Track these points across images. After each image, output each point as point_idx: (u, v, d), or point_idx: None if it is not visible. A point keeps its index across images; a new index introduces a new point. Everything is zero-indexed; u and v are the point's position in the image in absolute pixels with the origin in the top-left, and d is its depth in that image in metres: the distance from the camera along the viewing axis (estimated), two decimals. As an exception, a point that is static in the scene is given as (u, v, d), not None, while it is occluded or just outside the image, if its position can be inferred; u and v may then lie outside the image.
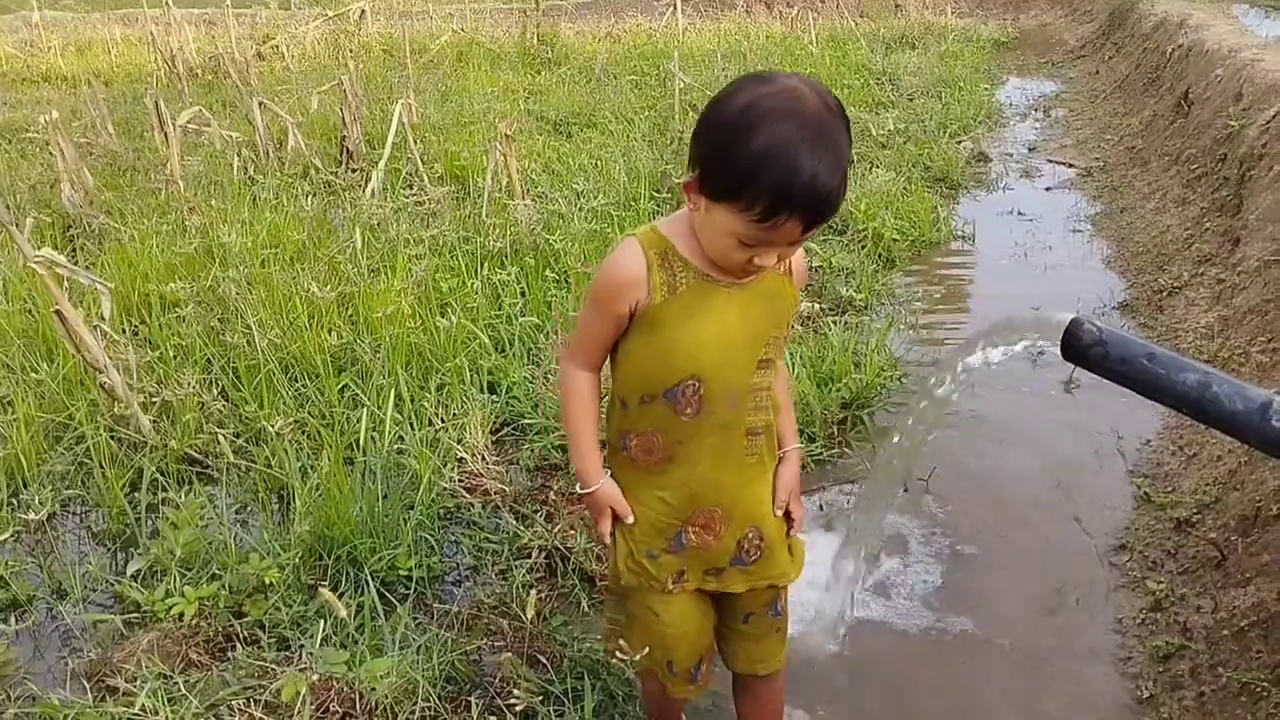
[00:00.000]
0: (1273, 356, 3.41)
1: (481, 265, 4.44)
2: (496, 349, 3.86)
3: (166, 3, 11.40)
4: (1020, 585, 2.79)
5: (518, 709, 2.01)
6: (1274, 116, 4.87)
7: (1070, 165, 7.13)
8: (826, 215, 1.44)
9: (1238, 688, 2.22)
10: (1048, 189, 6.68)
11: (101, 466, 3.18)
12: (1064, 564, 2.86)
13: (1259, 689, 2.18)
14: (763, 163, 1.38)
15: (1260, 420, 1.40)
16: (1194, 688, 2.30)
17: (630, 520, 1.76)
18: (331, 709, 2.13)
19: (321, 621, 2.47)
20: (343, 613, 2.26)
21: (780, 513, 1.81)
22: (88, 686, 2.31)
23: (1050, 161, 7.30)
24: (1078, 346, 1.56)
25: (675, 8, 12.13)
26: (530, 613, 2.37)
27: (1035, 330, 1.73)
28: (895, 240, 5.31)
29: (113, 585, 2.74)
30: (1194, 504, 2.93)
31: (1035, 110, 9.04)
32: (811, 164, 1.37)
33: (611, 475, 1.78)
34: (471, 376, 3.65)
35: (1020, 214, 6.10)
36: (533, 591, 2.52)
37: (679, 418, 1.65)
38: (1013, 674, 2.47)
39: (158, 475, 3.18)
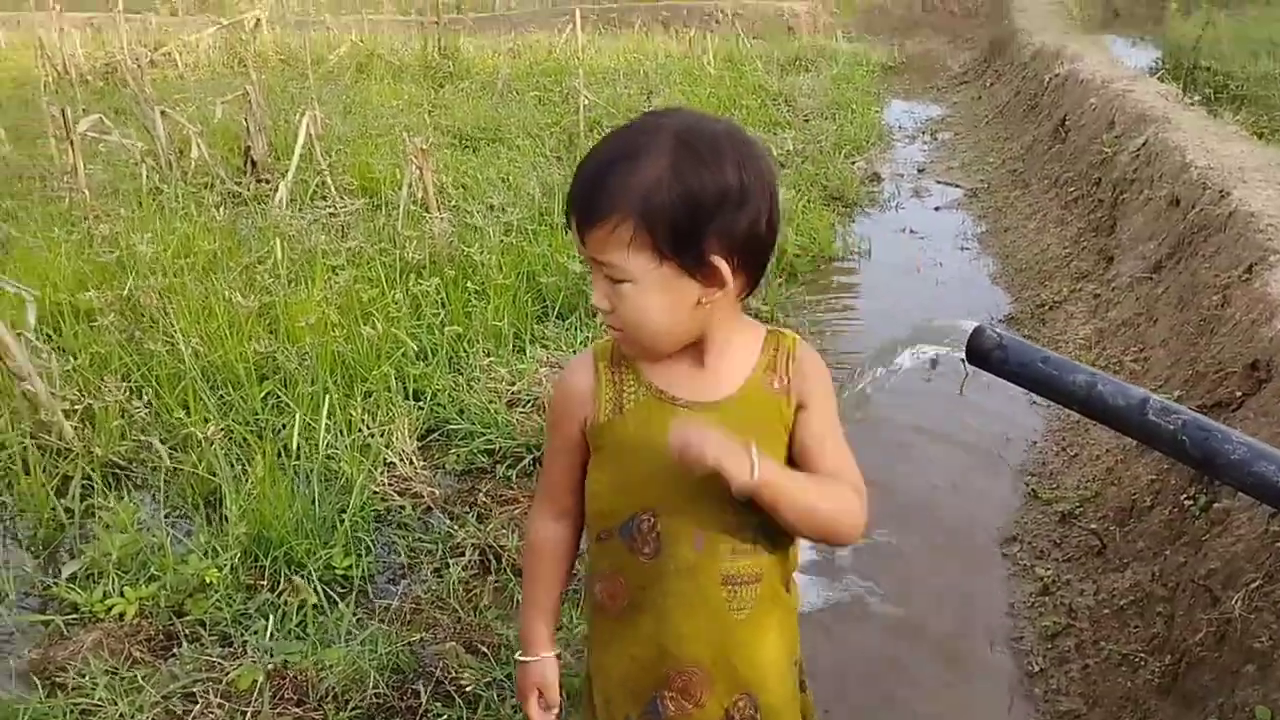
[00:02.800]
0: (1144, 365, 3.72)
1: (401, 277, 4.53)
2: (419, 358, 3.96)
3: (54, 6, 11.17)
4: (922, 575, 3.00)
5: (468, 689, 2.14)
6: (1143, 144, 5.26)
7: (957, 186, 7.50)
8: (591, 201, 1.22)
9: (1118, 659, 2.47)
10: (937, 208, 7.01)
11: (27, 472, 3.19)
12: (961, 555, 3.10)
13: (1137, 659, 2.43)
14: None
15: (1139, 414, 1.61)
16: (1079, 661, 2.54)
17: (553, 717, 1.51)
18: (286, 696, 2.23)
19: (264, 620, 2.56)
20: (312, 598, 2.35)
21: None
22: (38, 683, 2.35)
23: (939, 182, 7.66)
24: (980, 351, 1.74)
25: (575, 24, 12.29)
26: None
27: (941, 337, 1.91)
28: (797, 256, 5.54)
29: (48, 588, 2.77)
30: (1076, 498, 3.20)
31: (923, 133, 9.43)
32: (591, 158, 1.25)
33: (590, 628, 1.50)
34: (396, 384, 3.74)
35: (912, 231, 6.40)
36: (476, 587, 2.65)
37: (637, 558, 1.37)
38: (915, 654, 2.67)
39: (85, 481, 3.20)
